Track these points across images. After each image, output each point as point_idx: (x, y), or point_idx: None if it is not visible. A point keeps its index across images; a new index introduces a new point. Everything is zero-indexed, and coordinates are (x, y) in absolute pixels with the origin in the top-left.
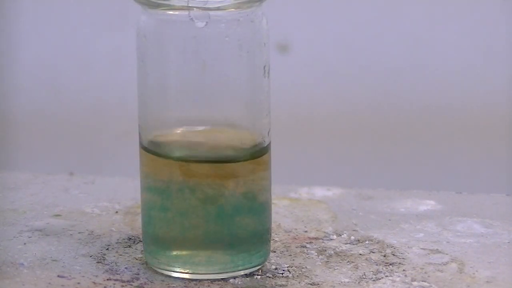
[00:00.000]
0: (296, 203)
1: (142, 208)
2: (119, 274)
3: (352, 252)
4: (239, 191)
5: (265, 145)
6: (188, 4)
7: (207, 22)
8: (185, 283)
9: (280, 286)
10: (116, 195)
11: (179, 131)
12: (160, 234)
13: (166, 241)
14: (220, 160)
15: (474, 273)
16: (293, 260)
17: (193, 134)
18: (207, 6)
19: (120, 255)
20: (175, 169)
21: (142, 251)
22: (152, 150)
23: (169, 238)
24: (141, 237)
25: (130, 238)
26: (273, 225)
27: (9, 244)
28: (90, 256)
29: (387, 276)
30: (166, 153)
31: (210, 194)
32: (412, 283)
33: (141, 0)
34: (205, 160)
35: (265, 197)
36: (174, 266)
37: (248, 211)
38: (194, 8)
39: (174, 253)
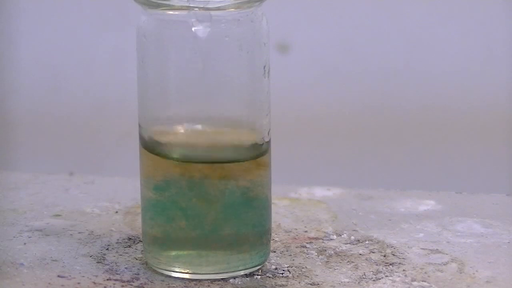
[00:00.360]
0: (296, 203)
1: (142, 208)
2: (119, 274)
3: (352, 252)
4: (239, 191)
5: (265, 145)
6: (188, 3)
7: (209, 27)
8: (185, 283)
9: (280, 286)
10: (116, 195)
11: (179, 131)
12: (160, 234)
13: (166, 241)
14: (220, 160)
15: (474, 273)
16: (293, 260)
17: (193, 133)
18: (207, 6)
19: (120, 255)
20: (174, 168)
21: (142, 251)
22: (152, 149)
23: (169, 238)
24: (141, 237)
25: (130, 238)
26: (273, 225)
27: (9, 244)
28: (90, 256)
29: (387, 276)
30: (166, 153)
31: (210, 194)
32: (412, 283)
33: (141, 0)
34: (205, 160)
35: (265, 197)
36: (174, 266)
37: (248, 211)
38: (195, 8)
39: (174, 253)
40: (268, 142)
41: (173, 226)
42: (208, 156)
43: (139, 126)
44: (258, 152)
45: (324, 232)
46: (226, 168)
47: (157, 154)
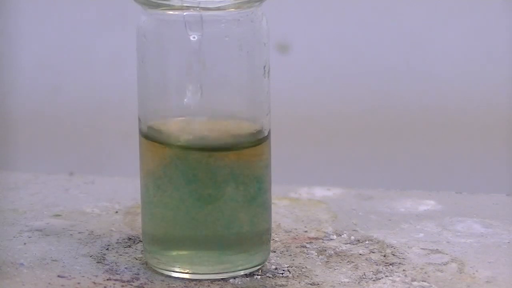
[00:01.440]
0: (296, 203)
1: (142, 207)
2: (119, 274)
3: (352, 252)
4: (238, 191)
5: (265, 146)
6: (182, 3)
7: (201, 34)
8: (185, 283)
9: (280, 286)
10: (116, 195)
11: (178, 126)
12: (160, 234)
13: (166, 241)
14: (219, 147)
15: (474, 273)
16: (293, 260)
17: (193, 121)
18: (205, 6)
19: (120, 255)
20: (174, 161)
21: (142, 251)
22: (151, 138)
23: (169, 238)
24: (141, 237)
25: (130, 238)
26: (273, 225)
27: (9, 244)
28: (90, 256)
29: (387, 276)
30: (165, 140)
31: (209, 193)
32: (412, 283)
33: (141, 0)
34: (203, 146)
35: (265, 196)
36: (174, 266)
37: (248, 211)
38: (191, 8)
39: (174, 253)
40: (268, 139)
41: (173, 226)
42: (207, 143)
43: (139, 129)
44: (259, 151)
45: (324, 232)
46: (225, 158)
47: (156, 142)
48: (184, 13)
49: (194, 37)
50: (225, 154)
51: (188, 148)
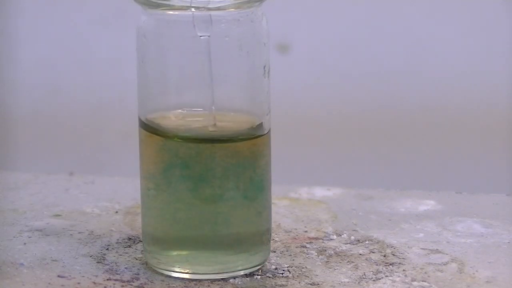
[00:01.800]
0: (296, 203)
1: (142, 207)
2: (119, 274)
3: (352, 252)
4: (238, 190)
5: (265, 144)
6: (191, 4)
7: (209, 35)
8: (185, 283)
9: (280, 286)
10: (116, 195)
11: (178, 118)
12: (160, 234)
13: (166, 241)
14: (218, 137)
15: (474, 273)
16: (293, 260)
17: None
18: (208, 6)
19: (120, 255)
20: (174, 156)
21: (142, 251)
22: (150, 132)
23: (169, 238)
24: (141, 237)
25: (130, 238)
26: (273, 225)
27: (9, 244)
28: (90, 256)
29: (387, 276)
30: (165, 132)
31: (209, 193)
32: (412, 283)
33: (141, 0)
34: (203, 137)
35: (265, 196)
36: (174, 266)
37: (248, 211)
38: (194, 8)
39: (174, 253)
40: (268, 139)
41: (173, 226)
42: (206, 134)
43: (139, 124)
44: (259, 151)
45: (324, 232)
46: (225, 152)
47: (155, 134)
48: (193, 13)
49: (203, 36)
50: (224, 146)
51: (187, 139)
